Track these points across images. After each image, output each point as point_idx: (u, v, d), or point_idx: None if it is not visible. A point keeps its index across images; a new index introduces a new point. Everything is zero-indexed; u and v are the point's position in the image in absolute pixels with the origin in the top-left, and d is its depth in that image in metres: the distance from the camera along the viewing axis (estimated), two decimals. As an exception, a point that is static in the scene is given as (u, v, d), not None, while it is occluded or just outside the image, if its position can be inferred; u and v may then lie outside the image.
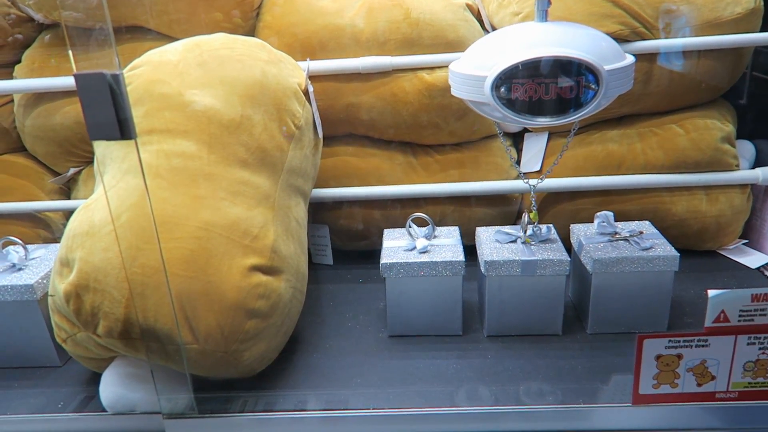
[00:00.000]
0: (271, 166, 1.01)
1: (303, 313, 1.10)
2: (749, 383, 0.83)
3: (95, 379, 0.97)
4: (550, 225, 1.13)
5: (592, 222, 1.14)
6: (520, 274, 1.04)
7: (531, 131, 1.35)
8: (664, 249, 1.04)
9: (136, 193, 0.89)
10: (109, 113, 0.72)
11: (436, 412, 0.90)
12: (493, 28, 1.30)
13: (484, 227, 1.16)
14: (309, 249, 1.39)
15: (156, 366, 0.90)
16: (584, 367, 1.00)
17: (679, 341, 0.80)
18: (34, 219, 1.43)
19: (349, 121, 1.33)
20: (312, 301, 1.24)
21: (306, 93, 1.12)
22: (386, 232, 1.18)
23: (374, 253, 1.10)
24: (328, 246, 1.38)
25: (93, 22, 0.75)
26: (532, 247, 1.07)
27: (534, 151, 1.35)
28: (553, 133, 1.35)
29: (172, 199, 0.91)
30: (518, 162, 1.35)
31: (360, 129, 1.34)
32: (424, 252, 1.07)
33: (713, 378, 0.83)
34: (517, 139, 1.38)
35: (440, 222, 1.35)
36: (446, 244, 1.10)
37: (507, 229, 1.12)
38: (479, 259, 1.08)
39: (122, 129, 0.73)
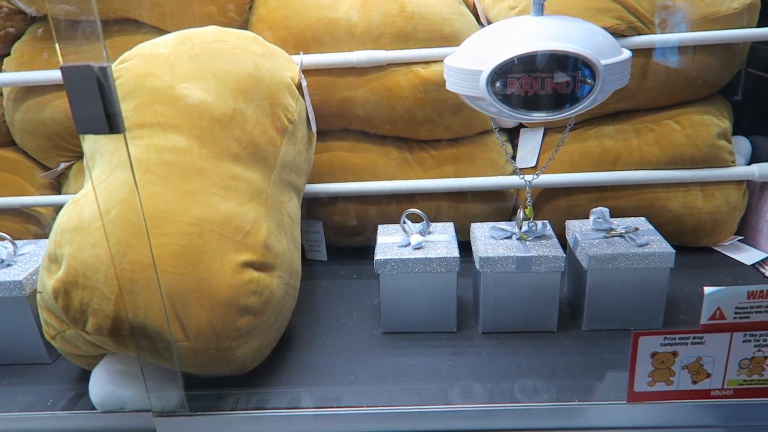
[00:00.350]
0: (264, 161, 1.00)
1: (296, 309, 1.08)
2: (745, 380, 0.82)
3: (85, 376, 0.95)
4: (546, 221, 1.12)
5: (588, 218, 1.13)
6: (515, 271, 1.03)
7: (526, 126, 1.34)
8: (660, 245, 1.04)
9: (126, 188, 0.88)
10: (97, 107, 0.71)
11: (430, 409, 0.90)
12: (489, 22, 1.29)
13: (479, 223, 1.15)
14: (303, 245, 1.38)
15: (146, 363, 0.89)
16: (579, 364, 0.99)
17: (674, 338, 0.80)
18: (23, 214, 1.41)
19: (343, 116, 1.31)
20: (306, 297, 1.23)
21: (299, 87, 1.11)
22: (380, 227, 1.17)
23: (369, 249, 1.09)
24: (322, 242, 1.37)
25: (81, 14, 0.74)
26: (528, 243, 1.06)
27: (530, 146, 1.34)
28: (548, 129, 1.34)
29: (163, 194, 0.89)
30: (514, 157, 1.34)
31: (354, 124, 1.33)
32: (418, 248, 1.07)
33: (708, 375, 0.82)
34: (512, 134, 1.37)
35: (435, 218, 1.34)
36: (441, 240, 1.09)
37: (502, 225, 1.11)
38: (474, 255, 1.07)
39: (110, 123, 0.72)
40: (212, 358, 0.89)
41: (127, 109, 0.96)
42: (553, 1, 1.19)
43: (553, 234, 1.09)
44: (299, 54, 1.21)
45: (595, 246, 1.04)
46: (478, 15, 1.31)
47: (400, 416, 0.90)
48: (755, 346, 0.80)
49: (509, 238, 1.08)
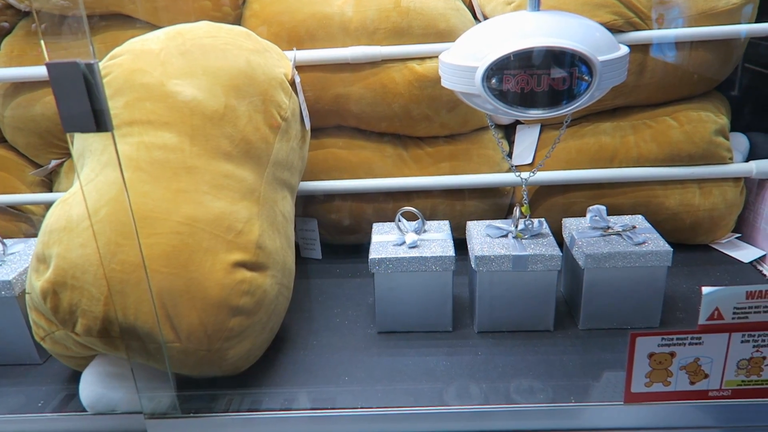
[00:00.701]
0: (256, 158, 0.98)
1: (290, 308, 1.07)
2: (743, 381, 0.82)
3: (76, 376, 0.94)
4: (542, 219, 1.11)
5: (585, 215, 1.12)
6: (511, 270, 1.02)
7: (523, 123, 1.33)
8: (657, 244, 1.02)
9: (116, 187, 0.86)
10: (84, 105, 0.69)
11: (424, 411, 0.89)
12: (485, 18, 1.27)
13: (475, 221, 1.14)
14: (297, 243, 1.37)
15: (137, 365, 0.87)
16: (575, 364, 0.98)
17: (672, 339, 0.79)
18: (14, 212, 1.39)
19: (338, 113, 1.30)
20: (300, 296, 1.21)
21: (293, 83, 1.09)
22: (375, 226, 1.15)
23: (364, 247, 1.08)
24: (317, 240, 1.36)
25: (67, 9, 0.72)
26: (524, 241, 1.05)
27: (526, 143, 1.32)
28: (545, 126, 1.33)
29: (153, 193, 0.88)
30: (510, 155, 1.32)
31: (349, 121, 1.31)
32: (413, 247, 1.05)
33: (706, 376, 0.81)
34: (509, 130, 1.36)
35: (431, 215, 1.33)
36: (436, 239, 1.08)
37: (498, 223, 1.10)
38: (470, 254, 1.06)
39: (98, 121, 0.70)
40: (204, 360, 0.87)
41: (117, 106, 0.94)
42: (550, -4, 1.17)
43: (549, 232, 1.08)
44: (293, 50, 1.20)
45: (591, 244, 1.03)
46: (474, 10, 1.30)
47: (395, 417, 0.89)
48: (754, 346, 0.79)
49: (505, 236, 1.07)
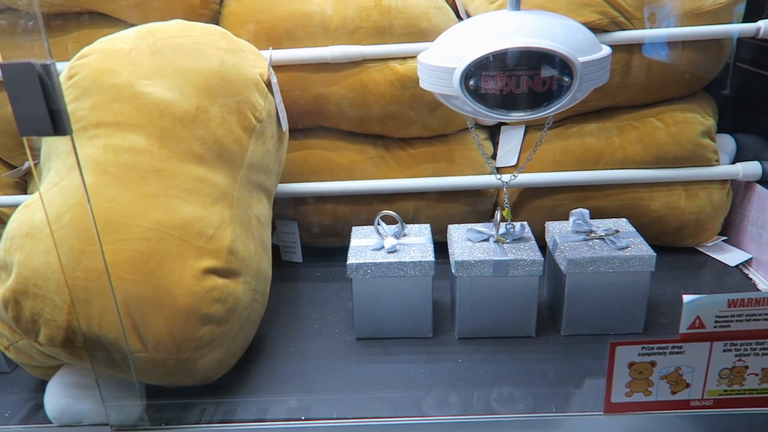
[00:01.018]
0: (230, 161, 0.96)
1: (268, 314, 1.05)
2: (725, 391, 0.80)
3: (45, 386, 0.91)
4: (524, 222, 1.09)
5: (569, 218, 1.10)
6: (492, 275, 0.99)
7: (507, 124, 1.31)
8: (641, 248, 1.00)
9: (81, 192, 0.83)
10: (40, 107, 0.66)
11: (401, 422, 0.86)
12: (469, 16, 1.25)
13: (456, 225, 1.12)
14: (278, 246, 1.34)
15: (104, 375, 0.84)
16: (557, 371, 0.96)
17: (652, 348, 0.77)
18: (-14, 215, 1.36)
19: (318, 113, 1.27)
20: (278, 301, 1.19)
21: (269, 84, 1.06)
22: (354, 229, 1.13)
23: (346, 250, 1.05)
24: (297, 243, 1.33)
25: (23, 6, 0.69)
26: (505, 246, 1.03)
27: (510, 145, 1.30)
28: (530, 127, 1.31)
29: (120, 197, 0.85)
30: (494, 156, 1.30)
31: (330, 121, 1.29)
32: (392, 251, 1.03)
33: (688, 385, 0.79)
34: (494, 131, 1.34)
35: (414, 218, 1.30)
36: (416, 243, 1.06)
37: (479, 227, 1.08)
38: (450, 258, 1.04)
39: (55, 124, 0.67)
40: (173, 369, 0.85)
41: (84, 107, 0.91)
42: (533, -5, 1.15)
43: (531, 236, 1.06)
44: (268, 49, 1.17)
45: (574, 249, 1.01)
46: (457, 9, 1.27)
47: (371, 429, 0.86)
48: (736, 355, 0.77)
49: (486, 240, 1.05)
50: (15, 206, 1.35)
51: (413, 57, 1.20)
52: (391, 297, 1.03)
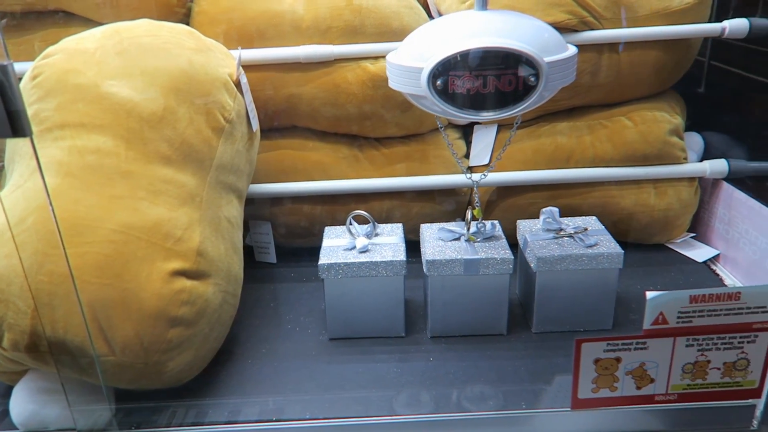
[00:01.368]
0: (198, 162, 0.95)
1: (240, 315, 1.04)
2: (688, 385, 0.81)
3: (11, 391, 0.90)
4: (495, 221, 1.10)
5: (540, 216, 1.11)
6: (463, 274, 1.00)
7: (480, 123, 1.31)
8: (609, 246, 1.02)
9: (44, 194, 0.82)
10: (-2, 108, 0.65)
11: (373, 421, 0.87)
12: (441, 16, 1.25)
13: (429, 224, 1.12)
14: (251, 247, 1.33)
15: (71, 380, 0.83)
16: (528, 369, 0.97)
17: (617, 344, 0.78)
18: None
19: (290, 113, 1.27)
20: (251, 302, 1.18)
21: (238, 84, 1.06)
22: (327, 230, 1.13)
23: (320, 250, 1.05)
24: (271, 243, 1.32)
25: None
26: (476, 244, 1.03)
27: (483, 144, 1.31)
28: (502, 126, 1.32)
29: (86, 199, 0.84)
30: (467, 155, 1.31)
31: (302, 121, 1.28)
32: (364, 251, 1.03)
33: (652, 381, 0.81)
34: (467, 130, 1.34)
35: (387, 218, 1.31)
36: (388, 243, 1.06)
37: (450, 226, 1.08)
38: (422, 258, 1.04)
39: (14, 126, 0.66)
40: (141, 373, 0.84)
41: (48, 108, 0.90)
42: (503, -5, 1.16)
43: (502, 234, 1.07)
44: (237, 49, 1.16)
45: (544, 247, 1.02)
46: (429, 8, 1.28)
47: (342, 429, 0.86)
48: (698, 350, 0.79)
49: (458, 239, 1.05)
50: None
51: (385, 56, 1.20)
52: (364, 297, 1.03)
